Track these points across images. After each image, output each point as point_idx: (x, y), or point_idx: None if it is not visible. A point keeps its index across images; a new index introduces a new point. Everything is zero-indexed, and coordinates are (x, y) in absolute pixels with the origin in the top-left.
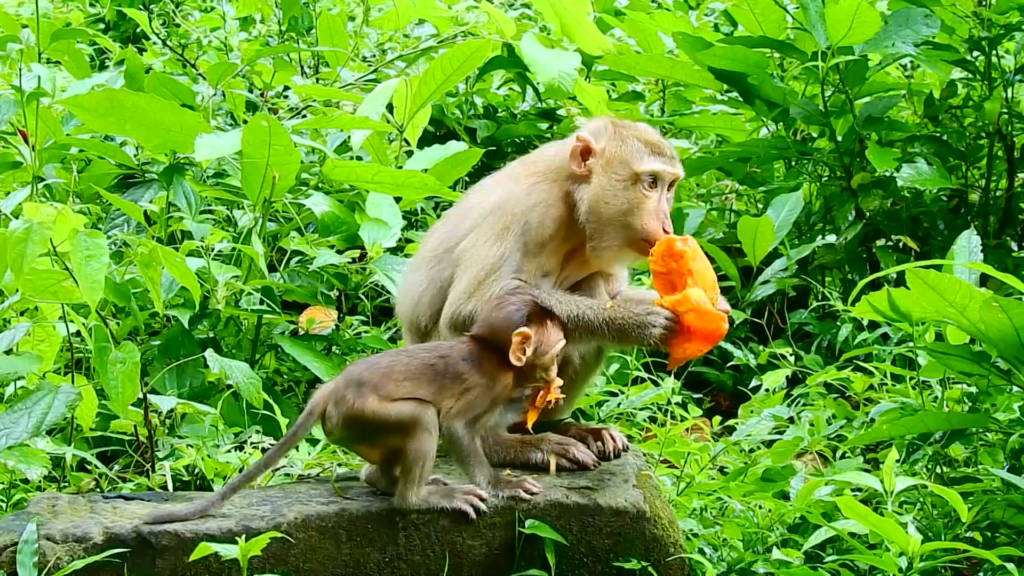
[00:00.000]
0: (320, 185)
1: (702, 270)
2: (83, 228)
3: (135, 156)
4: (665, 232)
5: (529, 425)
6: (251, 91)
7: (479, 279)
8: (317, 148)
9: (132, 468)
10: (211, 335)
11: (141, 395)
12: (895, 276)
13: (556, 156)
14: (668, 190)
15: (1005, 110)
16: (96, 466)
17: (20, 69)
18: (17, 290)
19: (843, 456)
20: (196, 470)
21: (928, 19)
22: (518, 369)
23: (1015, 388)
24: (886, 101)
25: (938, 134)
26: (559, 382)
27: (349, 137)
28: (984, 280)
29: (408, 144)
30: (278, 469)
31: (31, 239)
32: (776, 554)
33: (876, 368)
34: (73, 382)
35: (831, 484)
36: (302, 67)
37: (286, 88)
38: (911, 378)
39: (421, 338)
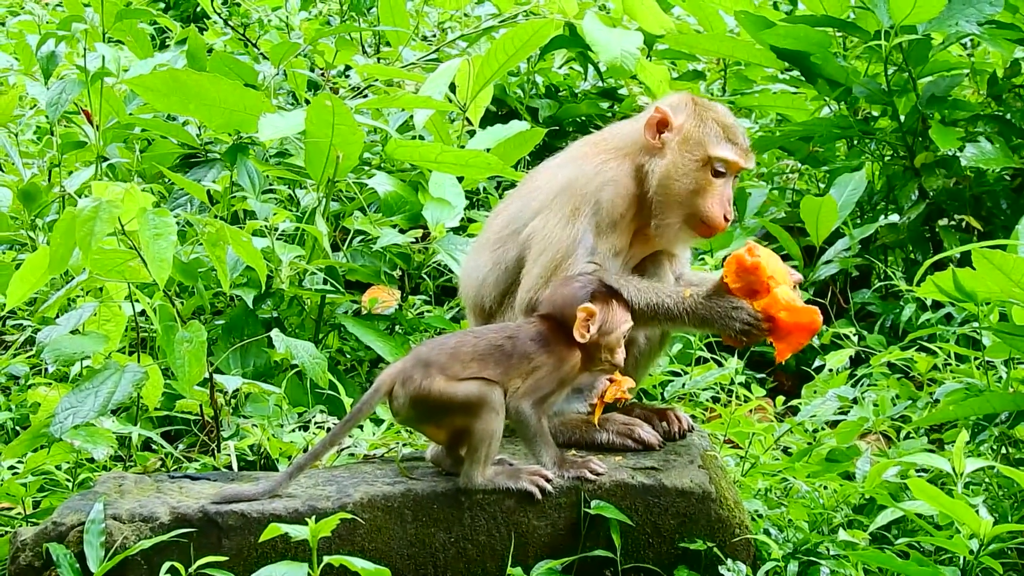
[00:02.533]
0: (383, 165)
1: (779, 271)
2: (151, 207)
3: (198, 136)
4: (726, 220)
5: (595, 420)
6: (312, 71)
7: (555, 263)
8: (380, 128)
9: (197, 448)
10: (275, 315)
11: (206, 375)
12: (959, 256)
13: (630, 134)
14: (735, 178)
15: None
16: (162, 446)
17: (84, 49)
18: (85, 269)
19: (907, 437)
20: (261, 450)
21: None
22: (584, 349)
23: None
24: (949, 80)
25: (1001, 113)
26: (621, 362)
27: (411, 117)
28: None
29: (470, 124)
30: (343, 449)
31: (99, 218)
32: (842, 535)
33: (940, 348)
34: (139, 362)
35: (897, 465)
36: (363, 47)
37: (347, 68)
38: (976, 358)
39: (485, 319)
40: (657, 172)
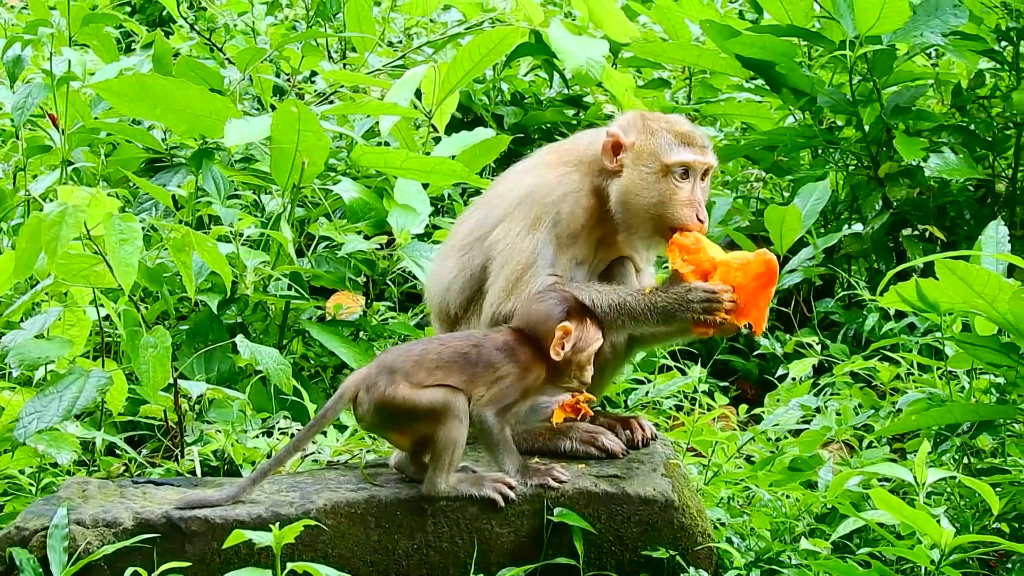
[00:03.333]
0: (348, 171)
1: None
2: (116, 212)
3: (163, 140)
4: (699, 220)
5: (554, 422)
6: (278, 76)
7: (516, 276)
8: (345, 134)
9: (161, 453)
10: (239, 320)
11: (171, 380)
12: (922, 266)
13: (589, 147)
14: (702, 179)
15: None
16: (126, 451)
17: (50, 53)
18: (50, 274)
19: (869, 446)
20: (225, 455)
21: (956, 9)
22: (552, 363)
23: None
24: (914, 91)
25: (965, 124)
26: (589, 380)
27: (377, 123)
28: (1012, 270)
29: (436, 130)
30: (307, 455)
31: (65, 222)
32: (804, 544)
33: (903, 358)
34: (103, 366)
35: (860, 475)
36: (329, 52)
37: (313, 73)
38: (938, 368)
39: (450, 325)
40: (616, 191)
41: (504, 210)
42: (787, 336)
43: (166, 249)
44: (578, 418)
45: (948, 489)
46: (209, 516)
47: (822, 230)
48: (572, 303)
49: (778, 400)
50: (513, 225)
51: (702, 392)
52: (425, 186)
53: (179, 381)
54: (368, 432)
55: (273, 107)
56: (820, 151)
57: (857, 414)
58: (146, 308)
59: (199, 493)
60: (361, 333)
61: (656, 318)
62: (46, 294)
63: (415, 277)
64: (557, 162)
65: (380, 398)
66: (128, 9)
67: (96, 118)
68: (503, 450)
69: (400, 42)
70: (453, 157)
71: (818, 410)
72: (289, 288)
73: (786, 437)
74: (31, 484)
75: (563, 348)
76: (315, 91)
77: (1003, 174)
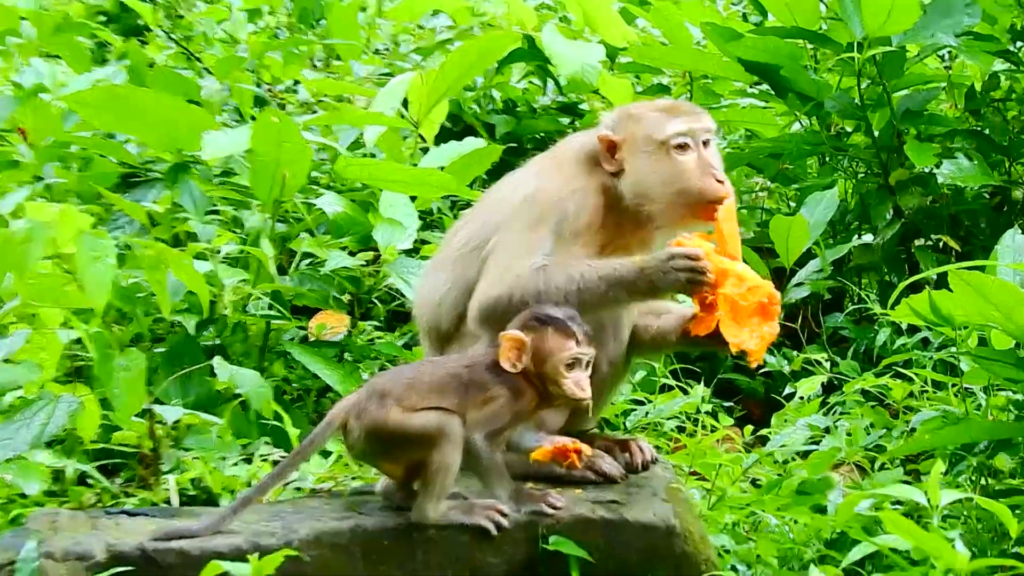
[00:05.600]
0: (332, 184)
1: (731, 233)
2: (88, 229)
3: (138, 154)
4: (720, 181)
5: (532, 457)
6: (259, 86)
7: (506, 264)
8: (329, 145)
9: (136, 482)
10: (217, 342)
11: (145, 405)
12: (935, 278)
13: (584, 146)
14: (705, 147)
15: None
16: (98, 480)
17: (19, 64)
18: (17, 295)
19: (882, 467)
20: (202, 484)
21: (969, 8)
22: (531, 382)
23: None
24: (925, 94)
25: (980, 128)
26: (577, 394)
27: (362, 134)
28: None
29: (424, 141)
30: (289, 483)
31: (34, 240)
32: (813, 572)
33: (916, 374)
34: (75, 392)
35: (871, 498)
36: (312, 61)
37: (296, 83)
38: (953, 385)
39: (441, 343)
40: (628, 188)
41: (504, 216)
42: (795, 353)
43: (140, 268)
44: (563, 466)
45: (964, 512)
46: (186, 548)
47: (830, 241)
48: (532, 313)
49: (785, 420)
50: (513, 227)
51: (705, 412)
52: (413, 199)
53: (154, 406)
54: (359, 461)
55: (253, 118)
56: (827, 158)
57: (868, 434)
58: (119, 330)
59: (176, 523)
60: (346, 354)
61: (645, 284)
62: (14, 316)
63: (403, 295)
64: (557, 165)
65: (371, 423)
66: (102, 18)
67: (68, 132)
68: (494, 476)
69: (387, 49)
70: (442, 168)
71: (827, 430)
72: (270, 308)
73: (794, 459)
74: None
75: (519, 360)
76: (298, 101)
77: (1020, 180)
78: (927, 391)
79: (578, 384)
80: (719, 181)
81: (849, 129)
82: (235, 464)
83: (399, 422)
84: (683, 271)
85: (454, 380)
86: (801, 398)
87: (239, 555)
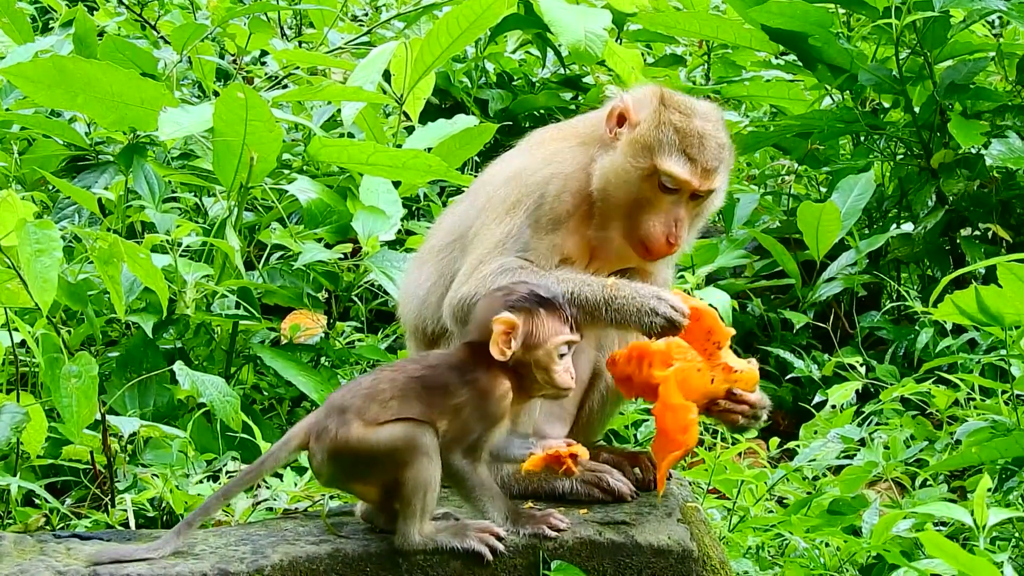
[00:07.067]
0: (305, 168)
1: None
2: (31, 218)
3: (87, 135)
4: (670, 244)
5: (524, 468)
6: (222, 57)
7: (479, 260)
8: (301, 124)
9: (88, 502)
10: (178, 345)
11: (98, 416)
12: (983, 272)
13: (597, 124)
14: (692, 200)
15: None
16: (46, 500)
17: None
18: None
19: (924, 484)
20: (163, 504)
21: None
22: (514, 373)
23: None
24: (972, 65)
25: None
26: (566, 383)
27: (339, 111)
28: None
29: (408, 119)
30: (260, 502)
31: None
32: None
33: (962, 380)
34: (19, 401)
35: (911, 517)
36: (282, 29)
37: (264, 53)
38: (1003, 392)
39: (428, 345)
40: (599, 170)
41: (486, 197)
42: (826, 357)
43: (91, 262)
44: (560, 472)
45: (1014, 533)
46: (145, 575)
47: (866, 231)
48: (521, 291)
49: (815, 432)
50: (491, 211)
51: None
52: (396, 185)
53: (108, 417)
54: (328, 488)
55: (216, 93)
56: (862, 138)
57: (909, 447)
58: (68, 332)
59: (115, 547)
60: (323, 359)
61: (610, 317)
62: None
63: (386, 292)
64: (552, 139)
65: (332, 444)
66: None
67: (8, 109)
68: (484, 496)
69: (366, 15)
70: (429, 150)
71: (863, 443)
72: (237, 307)
73: (825, 475)
74: None
75: (510, 346)
76: (266, 74)
77: None
78: (974, 399)
79: (569, 372)
80: (669, 240)
81: (886, 105)
82: (199, 482)
83: (362, 438)
84: (662, 317)
85: (416, 384)
86: (833, 407)
87: None
